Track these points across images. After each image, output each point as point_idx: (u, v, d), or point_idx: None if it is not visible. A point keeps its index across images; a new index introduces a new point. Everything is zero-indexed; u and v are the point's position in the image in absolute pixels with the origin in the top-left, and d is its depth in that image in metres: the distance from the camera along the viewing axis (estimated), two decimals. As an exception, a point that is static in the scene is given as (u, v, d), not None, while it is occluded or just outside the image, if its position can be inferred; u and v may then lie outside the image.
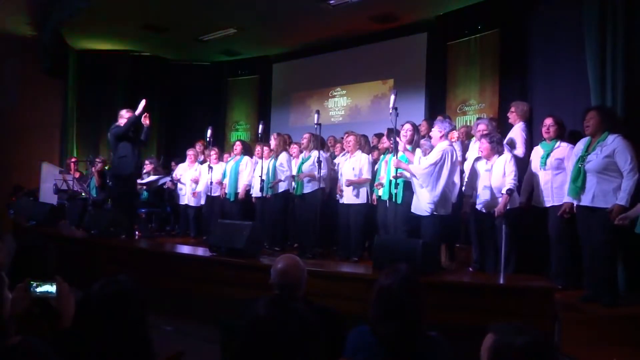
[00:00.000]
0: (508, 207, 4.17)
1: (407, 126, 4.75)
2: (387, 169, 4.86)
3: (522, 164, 4.54)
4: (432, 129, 4.72)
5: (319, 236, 5.41)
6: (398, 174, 4.59)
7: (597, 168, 3.63)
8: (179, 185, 7.45)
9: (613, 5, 4.08)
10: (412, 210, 4.60)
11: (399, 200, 4.65)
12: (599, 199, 3.61)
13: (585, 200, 3.70)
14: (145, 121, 5.67)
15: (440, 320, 2.55)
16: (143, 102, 5.59)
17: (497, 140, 4.41)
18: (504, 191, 4.18)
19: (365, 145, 5.75)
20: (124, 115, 5.66)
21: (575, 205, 3.83)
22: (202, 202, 7.04)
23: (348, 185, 5.48)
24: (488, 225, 4.36)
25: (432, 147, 4.68)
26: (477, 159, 4.58)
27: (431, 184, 4.43)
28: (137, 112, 5.59)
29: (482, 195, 4.41)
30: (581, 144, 3.84)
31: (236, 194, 6.58)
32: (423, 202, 4.49)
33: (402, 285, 1.74)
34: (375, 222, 5.24)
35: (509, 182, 4.19)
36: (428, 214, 4.44)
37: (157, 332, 1.57)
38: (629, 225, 3.40)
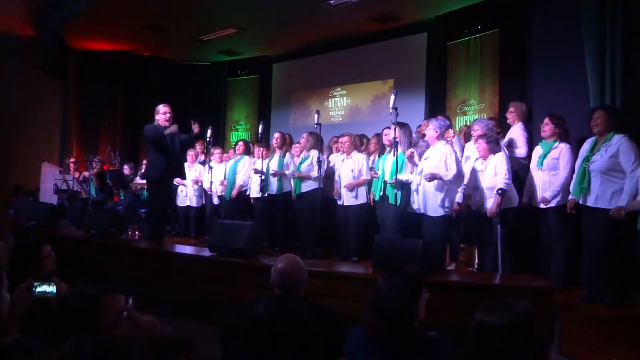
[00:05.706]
0: (502, 207, 4.11)
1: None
2: (384, 169, 4.86)
3: (525, 165, 4.53)
4: (427, 129, 4.59)
5: (319, 236, 5.41)
6: (392, 180, 4.59)
7: (601, 169, 3.59)
8: (180, 187, 7.44)
9: (612, 5, 4.07)
10: (422, 211, 4.48)
11: (398, 202, 4.63)
12: (601, 200, 3.58)
13: (589, 201, 3.66)
14: (195, 129, 5.58)
15: (440, 320, 2.55)
16: (196, 129, 5.52)
17: (494, 140, 4.37)
18: (495, 191, 4.13)
19: (361, 144, 5.73)
20: (160, 111, 5.53)
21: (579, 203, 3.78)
22: (204, 201, 7.00)
23: (349, 190, 5.46)
24: (484, 225, 4.33)
25: (427, 147, 4.64)
26: (476, 159, 4.55)
27: (454, 185, 4.36)
28: (193, 133, 5.54)
29: (475, 195, 4.39)
30: (587, 144, 3.79)
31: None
32: (437, 204, 4.36)
33: (399, 289, 1.74)
34: (375, 222, 5.23)
35: (500, 181, 4.11)
36: (443, 214, 4.34)
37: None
38: (625, 217, 3.39)
